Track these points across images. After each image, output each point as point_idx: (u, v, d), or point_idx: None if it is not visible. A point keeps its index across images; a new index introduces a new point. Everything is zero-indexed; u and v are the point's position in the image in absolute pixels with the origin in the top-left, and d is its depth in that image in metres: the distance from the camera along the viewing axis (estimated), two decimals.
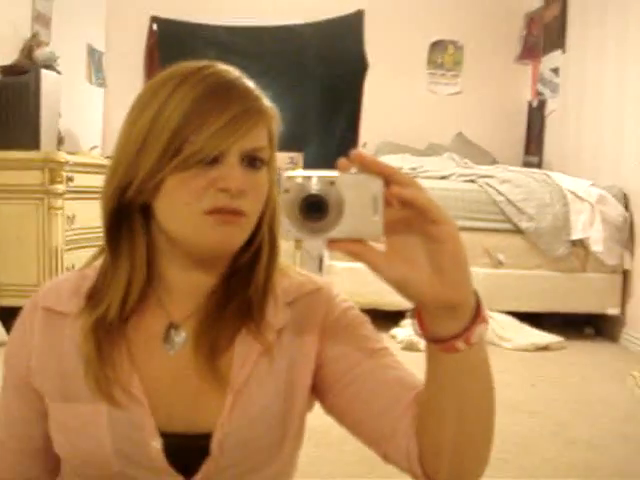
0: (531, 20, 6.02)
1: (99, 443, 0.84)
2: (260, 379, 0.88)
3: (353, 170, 0.64)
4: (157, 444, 0.84)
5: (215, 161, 0.79)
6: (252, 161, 0.82)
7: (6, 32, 4.00)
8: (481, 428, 0.79)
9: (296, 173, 0.63)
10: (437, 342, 0.71)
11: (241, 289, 0.89)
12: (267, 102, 0.86)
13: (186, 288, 0.90)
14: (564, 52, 5.29)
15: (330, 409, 0.92)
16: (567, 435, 2.54)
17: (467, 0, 6.19)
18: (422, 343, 0.74)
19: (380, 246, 0.66)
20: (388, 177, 0.64)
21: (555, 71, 5.44)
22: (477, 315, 0.70)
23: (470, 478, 0.83)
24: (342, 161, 0.64)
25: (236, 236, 0.83)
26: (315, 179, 0.63)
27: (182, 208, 0.81)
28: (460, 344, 0.69)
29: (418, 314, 0.72)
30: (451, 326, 0.69)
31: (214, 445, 0.84)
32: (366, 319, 0.94)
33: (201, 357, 0.87)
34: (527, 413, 2.78)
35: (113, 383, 0.85)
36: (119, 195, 0.84)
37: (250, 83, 0.86)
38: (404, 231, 0.66)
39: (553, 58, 5.51)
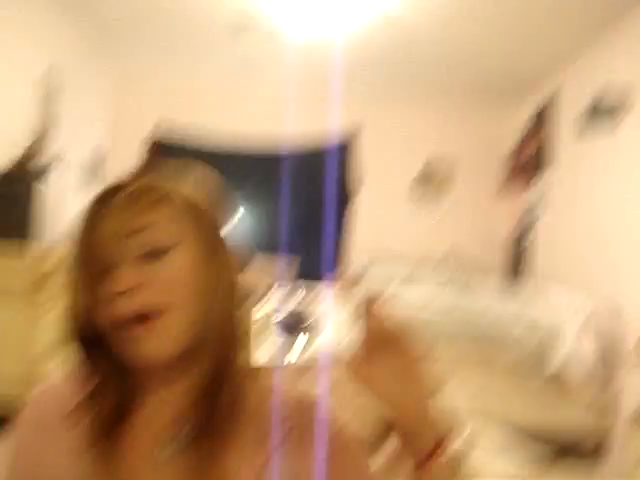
0: (521, 146, 6.21)
1: None
2: None
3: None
4: None
5: (111, 268, 0.82)
6: (146, 256, 0.82)
7: (12, 129, 4.15)
8: None
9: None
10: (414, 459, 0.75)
11: (219, 397, 0.86)
12: (165, 192, 0.86)
13: (169, 396, 0.88)
14: (552, 177, 5.42)
15: None
16: None
17: (460, 122, 6.42)
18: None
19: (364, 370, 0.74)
20: (367, 307, 0.72)
21: (544, 194, 5.55)
22: (437, 447, 0.74)
23: None
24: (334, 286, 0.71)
25: (153, 345, 0.81)
26: (297, 302, 0.70)
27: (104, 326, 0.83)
28: (424, 467, 0.74)
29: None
30: (416, 449, 0.74)
31: None
32: (356, 444, 0.90)
33: (194, 466, 0.85)
34: None
35: None
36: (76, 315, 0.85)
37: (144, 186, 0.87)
38: (379, 360, 0.73)
39: (542, 181, 5.64)
